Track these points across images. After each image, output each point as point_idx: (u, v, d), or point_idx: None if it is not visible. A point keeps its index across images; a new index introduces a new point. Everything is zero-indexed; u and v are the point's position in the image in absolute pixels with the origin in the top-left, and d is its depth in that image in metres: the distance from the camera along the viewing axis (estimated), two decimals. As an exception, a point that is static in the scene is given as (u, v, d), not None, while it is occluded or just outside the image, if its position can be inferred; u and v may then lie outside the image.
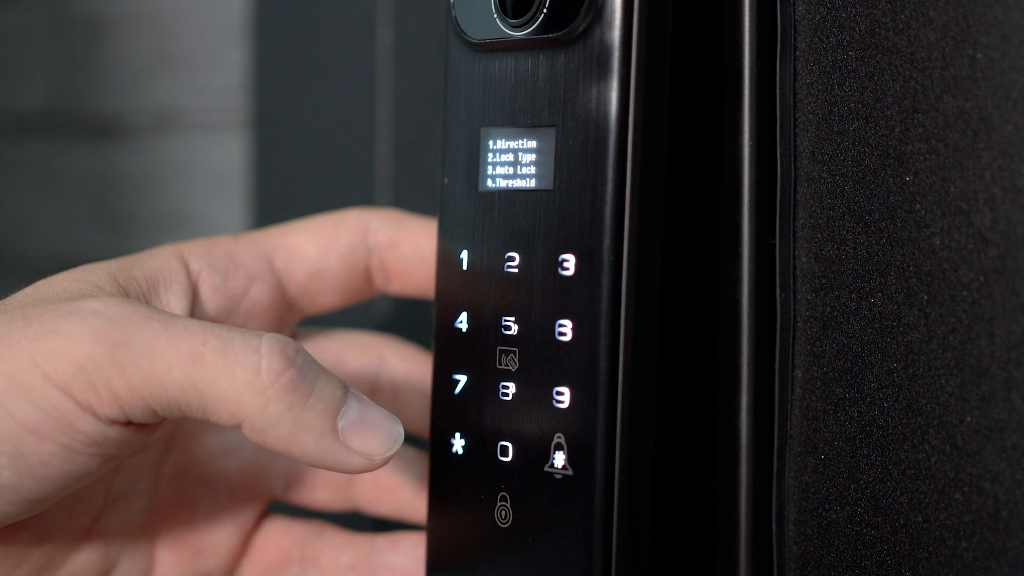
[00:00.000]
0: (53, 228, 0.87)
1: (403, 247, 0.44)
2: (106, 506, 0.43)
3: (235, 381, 0.36)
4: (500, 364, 0.39)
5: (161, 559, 0.44)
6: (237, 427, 0.37)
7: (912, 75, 0.37)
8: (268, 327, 0.44)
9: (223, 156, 0.79)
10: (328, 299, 0.45)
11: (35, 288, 0.39)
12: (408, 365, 0.46)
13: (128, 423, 0.37)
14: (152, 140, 0.83)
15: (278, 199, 0.73)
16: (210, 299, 0.42)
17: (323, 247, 0.44)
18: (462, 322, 0.40)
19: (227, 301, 0.42)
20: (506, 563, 0.39)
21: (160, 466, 0.44)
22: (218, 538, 0.45)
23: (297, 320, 0.45)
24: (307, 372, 0.37)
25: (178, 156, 0.82)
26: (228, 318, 0.43)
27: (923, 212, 0.37)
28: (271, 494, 0.47)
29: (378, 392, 0.46)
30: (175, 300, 0.41)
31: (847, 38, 0.38)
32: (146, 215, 0.83)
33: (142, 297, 0.40)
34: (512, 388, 0.39)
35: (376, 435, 0.38)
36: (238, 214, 0.78)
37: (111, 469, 0.41)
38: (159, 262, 0.41)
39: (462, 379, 0.40)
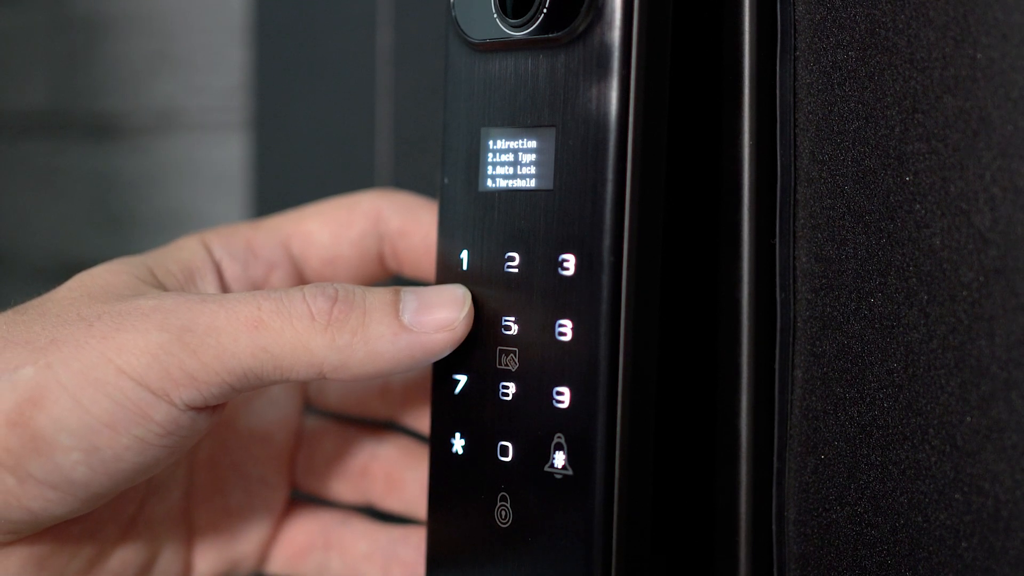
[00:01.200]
0: (53, 228, 0.87)
1: (412, 237, 0.45)
2: (148, 496, 0.44)
3: (298, 332, 0.38)
4: (500, 364, 0.39)
5: (199, 545, 0.45)
6: (321, 375, 0.38)
7: (912, 75, 0.37)
8: None
9: (223, 156, 0.79)
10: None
11: (78, 283, 0.40)
12: (403, 220, 0.46)
13: (202, 407, 0.38)
14: (152, 140, 0.83)
15: (278, 199, 0.73)
16: (232, 287, 0.43)
17: (336, 235, 0.45)
18: (462, 322, 0.40)
19: (248, 289, 0.44)
20: (506, 563, 0.39)
21: (195, 454, 0.45)
22: (252, 524, 0.46)
23: None
24: (352, 296, 0.38)
25: (178, 156, 0.82)
26: None
27: (923, 212, 0.37)
28: (295, 482, 0.48)
29: (389, 390, 0.47)
30: (211, 289, 0.42)
31: (847, 38, 0.38)
32: (146, 215, 0.83)
33: (178, 287, 0.41)
34: (512, 388, 0.39)
35: (441, 307, 0.39)
36: (238, 214, 0.78)
37: (175, 460, 0.41)
38: (189, 255, 0.42)
39: (462, 379, 0.40)
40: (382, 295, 0.39)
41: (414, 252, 0.45)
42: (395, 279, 0.47)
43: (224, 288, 0.43)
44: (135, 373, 0.37)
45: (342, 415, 0.48)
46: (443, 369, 0.41)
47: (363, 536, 0.47)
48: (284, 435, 0.47)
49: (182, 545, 0.45)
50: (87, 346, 0.37)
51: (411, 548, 0.46)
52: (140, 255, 0.42)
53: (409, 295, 0.39)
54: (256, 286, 0.44)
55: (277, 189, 0.73)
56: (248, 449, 0.46)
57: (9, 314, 0.39)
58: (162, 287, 0.40)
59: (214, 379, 0.37)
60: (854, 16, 0.37)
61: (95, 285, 0.39)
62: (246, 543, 0.46)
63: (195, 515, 0.45)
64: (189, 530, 0.45)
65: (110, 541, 0.43)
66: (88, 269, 0.41)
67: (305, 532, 0.47)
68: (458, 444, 0.40)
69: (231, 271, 0.43)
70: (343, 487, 0.47)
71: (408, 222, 0.45)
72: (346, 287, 0.39)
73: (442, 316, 0.39)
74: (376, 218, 0.45)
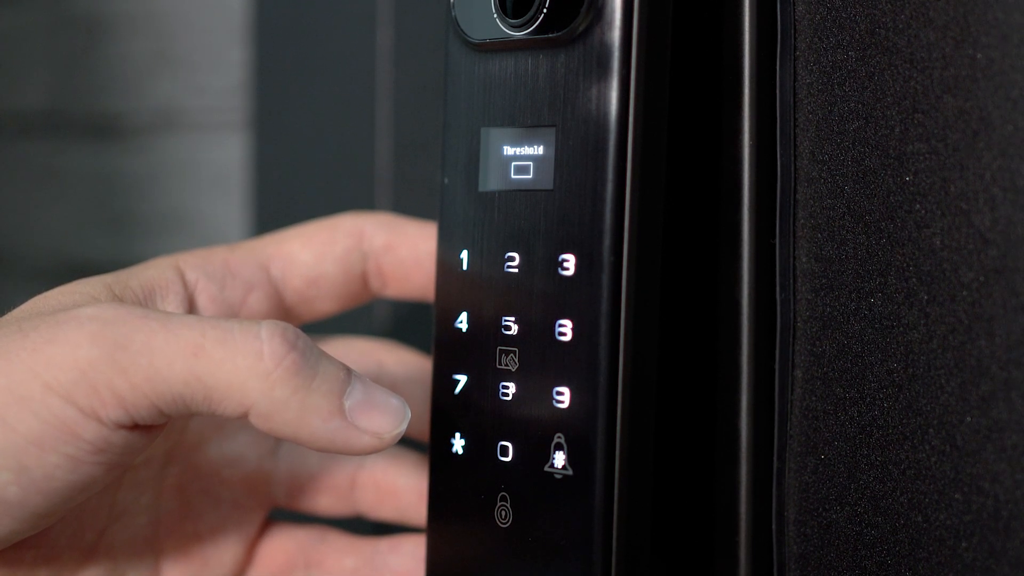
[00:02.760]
0: (53, 228, 0.87)
1: (399, 251, 0.44)
2: (110, 522, 0.43)
3: (238, 368, 0.36)
4: (500, 364, 0.39)
5: (168, 572, 0.44)
6: (244, 416, 0.37)
7: (912, 75, 0.37)
8: None
9: (223, 156, 0.79)
10: (325, 305, 0.45)
11: (31, 303, 0.39)
12: (406, 369, 0.46)
13: (133, 426, 0.37)
14: (152, 140, 0.83)
15: (278, 199, 0.73)
16: (207, 309, 0.42)
17: (319, 253, 0.44)
18: (462, 322, 0.40)
19: (225, 311, 0.42)
20: (506, 563, 0.39)
21: (162, 479, 0.44)
22: (223, 548, 0.45)
23: (295, 325, 0.45)
24: (309, 354, 0.37)
25: (178, 156, 0.82)
26: None
27: (923, 212, 0.37)
28: (273, 502, 0.46)
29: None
30: (172, 309, 0.41)
31: (847, 38, 0.38)
32: (146, 215, 0.83)
33: (135, 304, 0.39)
34: (512, 388, 0.39)
35: (383, 414, 0.38)
36: (238, 214, 0.78)
37: (115, 478, 0.40)
38: (155, 273, 0.41)
39: (462, 379, 0.40)
40: (336, 369, 0.37)
41: (401, 267, 0.44)
42: (378, 303, 0.46)
43: (191, 310, 0.41)
44: (62, 389, 0.35)
45: None
46: (443, 369, 0.41)
47: (347, 551, 0.46)
48: (258, 455, 0.46)
49: (148, 573, 0.44)
50: (16, 360, 0.36)
51: (403, 556, 0.45)
52: (103, 275, 0.40)
53: (359, 383, 0.38)
54: (233, 307, 0.43)
55: (277, 189, 0.73)
56: (219, 473, 0.45)
57: None
58: (119, 301, 0.39)
59: (142, 401, 0.36)
60: (854, 16, 0.37)
61: (47, 305, 0.38)
62: (218, 568, 0.45)
63: (163, 542, 0.44)
64: (156, 557, 0.44)
65: (68, 568, 0.42)
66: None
67: (282, 552, 0.46)
68: (458, 444, 0.40)
69: (207, 292, 0.42)
70: (330, 501, 0.46)
71: (394, 237, 0.44)
72: (308, 339, 0.37)
73: (378, 422, 0.38)
74: (359, 236, 0.44)
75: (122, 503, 0.43)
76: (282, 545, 0.46)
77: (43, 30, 0.87)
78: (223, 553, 0.45)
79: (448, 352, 0.41)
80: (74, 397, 0.36)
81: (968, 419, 0.36)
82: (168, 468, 0.44)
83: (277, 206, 0.73)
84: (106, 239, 0.84)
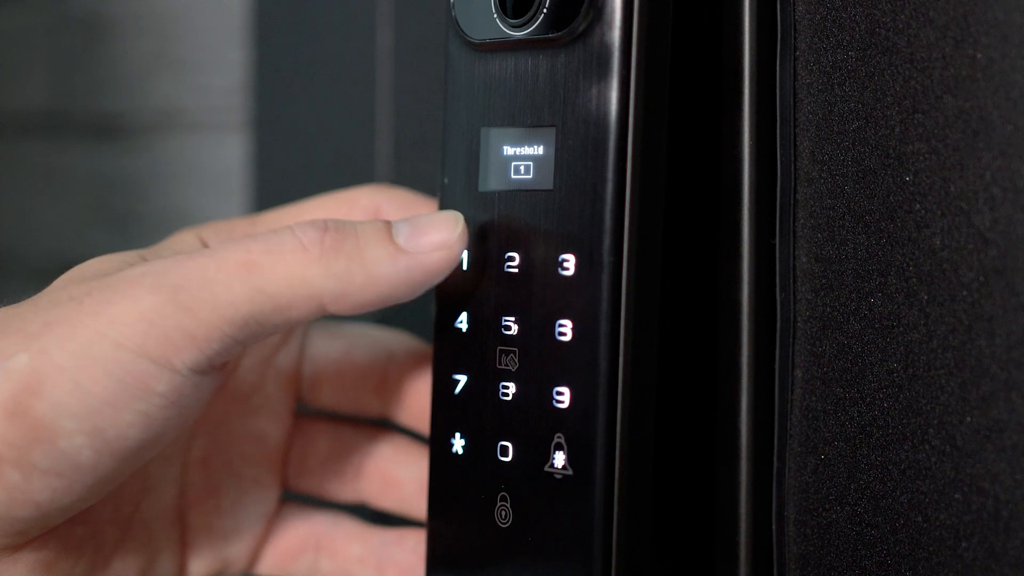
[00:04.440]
0: (53, 228, 0.87)
1: None
2: (144, 494, 0.44)
3: (291, 266, 0.37)
4: (500, 364, 0.39)
5: (193, 546, 0.45)
6: (322, 309, 0.38)
7: (912, 75, 0.37)
8: None
9: (223, 156, 0.79)
10: None
11: (69, 274, 0.39)
12: (416, 361, 0.46)
13: (205, 369, 0.37)
14: (152, 140, 0.83)
15: (278, 199, 0.73)
16: None
17: None
18: (462, 322, 0.40)
19: None
20: (506, 563, 0.39)
21: (188, 452, 0.45)
22: (244, 524, 0.46)
23: None
24: (343, 226, 0.38)
25: (178, 156, 0.82)
26: None
27: (923, 212, 0.37)
28: (286, 483, 0.47)
29: (385, 387, 0.47)
30: None
31: (847, 38, 0.38)
32: (146, 215, 0.83)
33: None
34: (512, 388, 0.39)
35: (435, 229, 0.39)
36: (238, 214, 0.78)
37: (180, 433, 0.41)
38: (183, 246, 0.42)
39: (462, 379, 0.40)
40: (374, 224, 0.38)
41: None
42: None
43: None
44: (132, 343, 0.36)
45: (336, 413, 0.48)
46: (443, 369, 0.41)
47: (355, 539, 0.46)
48: (277, 434, 0.46)
49: (177, 546, 0.44)
50: (80, 324, 0.36)
51: (406, 551, 0.45)
52: (134, 250, 0.41)
53: (401, 222, 0.39)
54: None
55: (277, 189, 0.73)
56: (241, 448, 0.46)
57: (3, 308, 0.38)
58: None
59: (215, 334, 0.37)
60: (854, 16, 0.37)
61: (87, 273, 0.39)
62: (239, 544, 0.46)
63: (189, 515, 0.45)
64: (183, 531, 0.45)
65: (110, 544, 0.42)
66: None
67: (296, 534, 0.46)
68: (458, 444, 0.40)
69: None
70: (337, 486, 0.47)
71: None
72: (336, 219, 0.38)
73: (437, 236, 0.39)
74: (375, 213, 0.45)
75: (153, 476, 0.44)
76: (296, 527, 0.46)
77: (43, 30, 0.87)
78: (244, 529, 0.46)
79: (448, 352, 0.41)
80: (146, 348, 0.36)
81: (968, 419, 0.36)
82: (194, 441, 0.45)
83: (277, 206, 0.73)
84: (106, 239, 0.84)
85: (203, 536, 0.45)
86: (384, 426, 0.48)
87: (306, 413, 0.48)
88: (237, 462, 0.46)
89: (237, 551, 0.46)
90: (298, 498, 0.48)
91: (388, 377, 0.47)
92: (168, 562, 0.44)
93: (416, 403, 0.46)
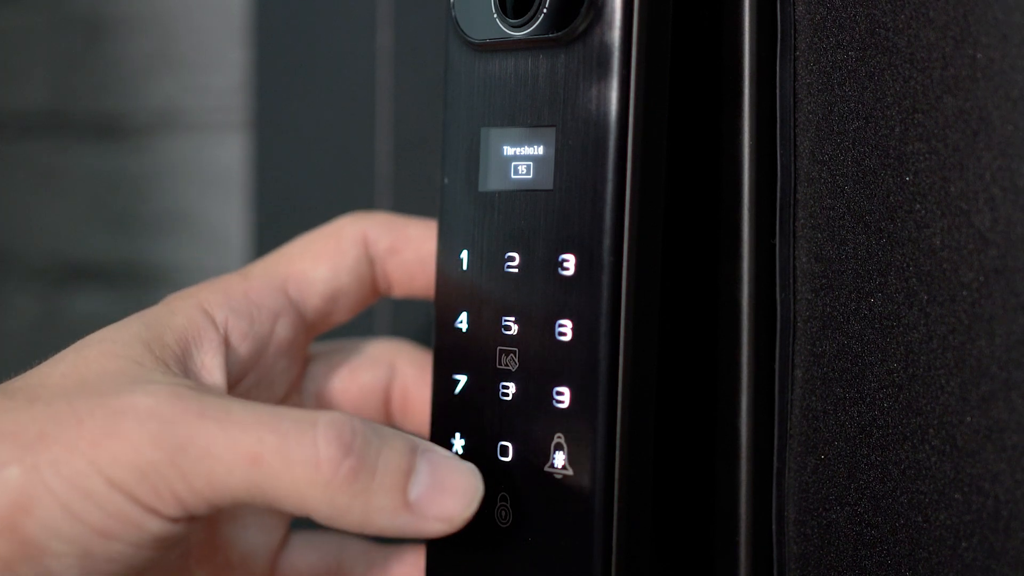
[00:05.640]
0: (53, 228, 0.87)
1: (404, 253, 0.44)
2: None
3: (296, 479, 0.36)
4: (500, 364, 0.39)
5: (195, 573, 0.44)
6: (310, 517, 0.37)
7: (912, 75, 0.37)
8: (292, 358, 0.44)
9: (223, 156, 0.79)
10: (342, 316, 0.45)
11: (72, 367, 0.38)
12: (419, 371, 0.46)
13: (195, 518, 0.37)
14: (152, 140, 0.83)
15: (278, 199, 0.73)
16: (240, 346, 0.42)
17: (332, 267, 0.43)
18: (462, 322, 0.40)
19: (256, 345, 0.42)
20: (506, 563, 0.39)
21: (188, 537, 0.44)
22: (248, 556, 0.45)
23: (311, 340, 0.45)
24: (367, 453, 0.36)
25: (178, 156, 0.82)
26: (259, 361, 0.42)
27: (923, 212, 0.37)
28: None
29: (390, 401, 0.46)
30: (209, 359, 0.40)
31: (847, 38, 0.38)
32: (146, 215, 0.83)
33: (178, 364, 0.39)
34: (512, 388, 0.39)
35: (452, 496, 0.37)
36: (238, 214, 0.78)
37: (172, 553, 0.41)
38: (184, 321, 0.40)
39: (462, 379, 0.40)
40: (398, 457, 0.37)
41: (406, 269, 0.44)
42: (380, 303, 0.46)
43: (227, 351, 0.41)
44: (125, 488, 0.36)
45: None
46: (443, 369, 0.41)
47: (360, 558, 0.46)
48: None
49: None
50: (76, 451, 0.35)
51: (407, 565, 0.45)
52: (132, 322, 0.40)
53: (424, 464, 0.37)
54: (263, 339, 0.42)
55: (277, 189, 0.73)
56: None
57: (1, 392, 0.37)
58: (162, 364, 0.39)
59: (202, 503, 0.36)
60: (854, 16, 0.37)
61: (90, 372, 0.38)
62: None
63: (193, 550, 0.44)
64: (186, 560, 0.44)
65: None
66: (83, 343, 0.39)
67: (305, 563, 0.46)
68: (458, 444, 0.40)
69: (238, 329, 0.42)
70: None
71: (397, 239, 0.44)
72: (365, 433, 0.36)
73: (449, 506, 0.37)
74: (364, 242, 0.44)
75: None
76: (303, 555, 0.46)
77: (43, 30, 0.87)
78: (249, 561, 0.45)
79: (448, 352, 0.41)
80: (136, 496, 0.36)
81: (968, 419, 0.36)
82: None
83: (277, 206, 0.73)
84: (106, 239, 0.84)
85: (207, 567, 0.44)
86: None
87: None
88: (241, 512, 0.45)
89: None
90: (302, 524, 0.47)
91: (392, 390, 0.46)
92: None
93: (420, 411, 0.46)
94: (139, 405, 0.36)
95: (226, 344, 0.41)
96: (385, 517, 0.36)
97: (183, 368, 0.39)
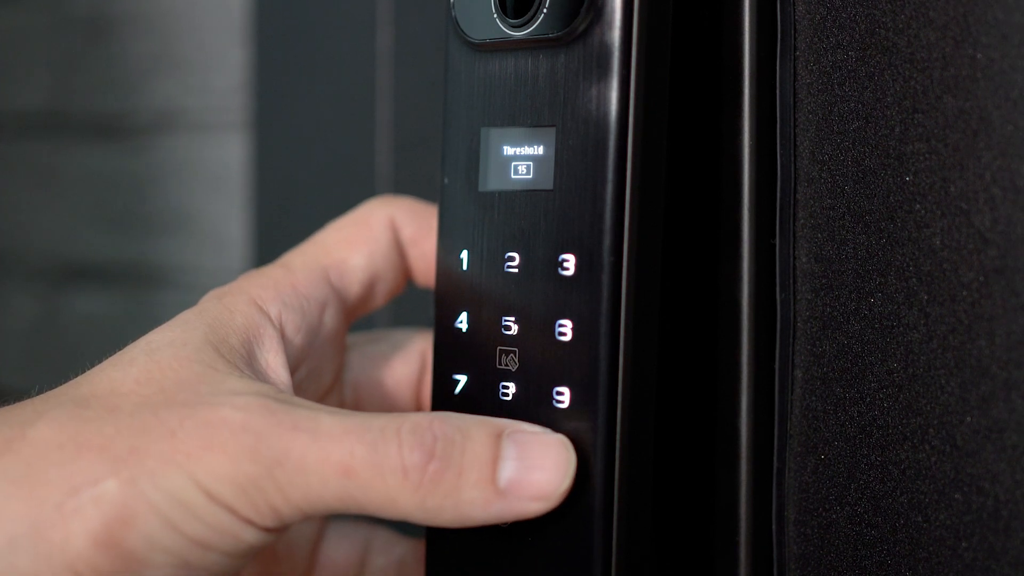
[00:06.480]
0: (53, 228, 0.87)
1: (423, 245, 0.44)
2: None
3: (388, 487, 0.36)
4: (500, 364, 0.39)
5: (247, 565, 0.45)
6: (403, 520, 0.37)
7: (912, 75, 0.37)
8: (337, 348, 0.44)
9: (223, 156, 0.79)
10: (379, 301, 0.45)
11: (146, 374, 0.38)
12: (415, 228, 0.45)
13: (288, 527, 0.37)
14: (152, 140, 0.83)
15: (278, 199, 0.73)
16: (295, 339, 0.42)
17: (369, 254, 0.44)
18: (462, 322, 0.40)
19: (308, 337, 0.42)
20: (506, 563, 0.39)
21: None
22: (293, 547, 0.46)
23: (349, 326, 0.45)
24: (451, 453, 0.37)
25: (178, 156, 0.82)
26: (310, 352, 0.43)
27: (923, 212, 0.37)
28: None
29: (423, 394, 0.47)
30: (272, 357, 0.41)
31: (847, 38, 0.38)
32: (146, 215, 0.83)
33: (247, 366, 0.40)
34: (512, 388, 0.39)
35: (544, 473, 0.37)
36: (238, 214, 0.78)
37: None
38: (244, 320, 0.41)
39: (462, 379, 0.40)
40: (482, 450, 0.37)
41: (424, 261, 0.44)
42: (410, 288, 0.46)
43: (286, 347, 0.42)
44: (224, 501, 0.36)
45: None
46: (443, 369, 0.41)
47: (386, 550, 0.47)
48: None
49: None
50: (173, 463, 0.36)
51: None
52: (199, 327, 0.40)
53: (511, 448, 0.37)
54: (314, 331, 0.43)
55: (277, 189, 0.73)
56: None
57: (69, 406, 0.37)
58: (233, 366, 0.39)
59: (296, 514, 0.37)
60: (854, 16, 0.37)
61: (166, 380, 0.38)
62: (289, 566, 0.46)
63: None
64: None
65: None
66: (147, 343, 0.39)
67: (341, 553, 0.47)
68: (458, 444, 0.40)
69: (292, 323, 0.42)
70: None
71: (419, 230, 0.44)
72: (446, 432, 0.37)
73: (543, 483, 0.37)
74: (392, 227, 0.44)
75: None
76: (338, 545, 0.47)
77: (43, 30, 0.87)
78: (292, 550, 0.46)
79: (448, 352, 0.41)
80: (235, 508, 0.36)
81: (968, 419, 0.36)
82: None
83: (277, 206, 0.74)
84: (106, 239, 0.84)
85: (256, 559, 0.45)
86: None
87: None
88: None
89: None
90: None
91: (424, 382, 0.47)
92: None
93: None
94: (231, 418, 0.36)
95: (284, 340, 0.42)
96: (478, 509, 0.37)
97: (252, 370, 0.40)
